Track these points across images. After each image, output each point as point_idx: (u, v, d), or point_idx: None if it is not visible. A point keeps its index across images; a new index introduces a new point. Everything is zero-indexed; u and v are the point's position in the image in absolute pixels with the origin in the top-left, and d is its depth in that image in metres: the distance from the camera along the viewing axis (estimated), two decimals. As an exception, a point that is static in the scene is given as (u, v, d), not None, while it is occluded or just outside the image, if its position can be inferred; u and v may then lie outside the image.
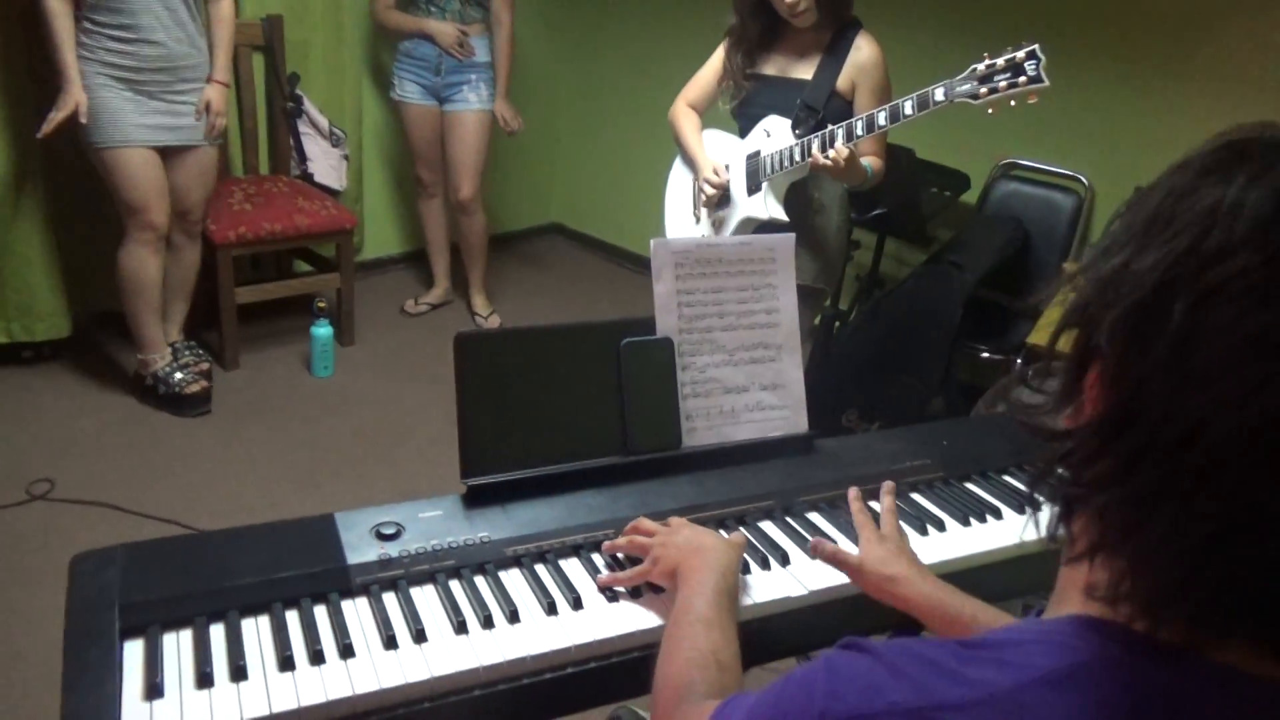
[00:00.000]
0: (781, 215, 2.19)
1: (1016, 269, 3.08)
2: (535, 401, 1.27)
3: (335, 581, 1.09)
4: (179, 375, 3.01)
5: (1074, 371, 0.56)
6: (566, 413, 1.29)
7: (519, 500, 1.24)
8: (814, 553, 1.14)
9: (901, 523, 1.28)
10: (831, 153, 2.01)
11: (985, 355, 3.04)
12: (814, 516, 1.31)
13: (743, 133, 2.33)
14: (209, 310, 3.31)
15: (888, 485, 1.26)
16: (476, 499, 1.23)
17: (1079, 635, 0.55)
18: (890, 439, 1.54)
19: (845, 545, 1.20)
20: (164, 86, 2.76)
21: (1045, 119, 3.12)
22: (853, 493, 1.26)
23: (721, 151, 2.37)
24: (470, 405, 1.23)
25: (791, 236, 1.44)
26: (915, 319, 2.97)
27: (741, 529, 1.26)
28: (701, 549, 1.06)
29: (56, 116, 2.60)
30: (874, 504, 1.35)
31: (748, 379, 1.41)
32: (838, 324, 3.30)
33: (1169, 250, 0.50)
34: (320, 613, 1.05)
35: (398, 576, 1.11)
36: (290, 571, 1.08)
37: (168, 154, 2.84)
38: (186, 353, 3.15)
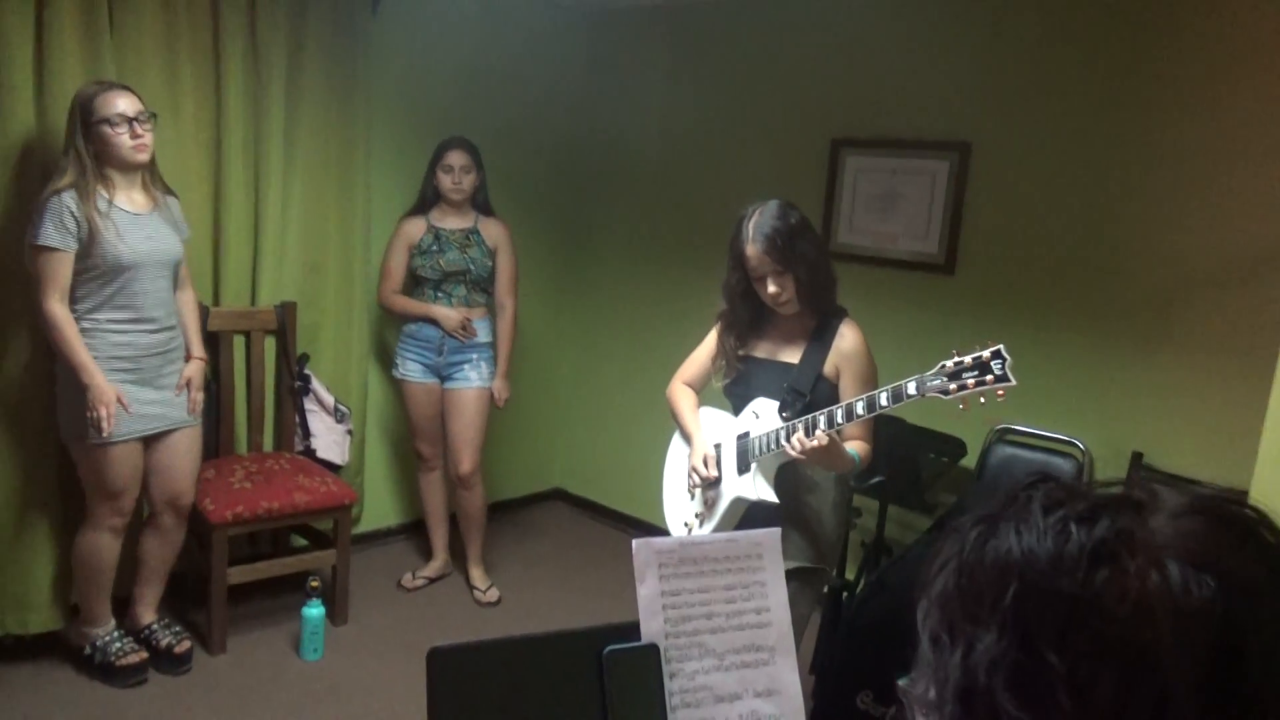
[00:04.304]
0: (771, 497, 2.17)
1: (1023, 535, 3.02)
2: (513, 718, 1.19)
3: None
4: (116, 646, 2.95)
5: None
6: (545, 731, 1.21)
7: (491, 837, 1.13)
8: None
9: None
10: (805, 440, 2.02)
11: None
12: None
13: (735, 411, 2.37)
14: (199, 590, 3.23)
15: None
16: (444, 836, 1.12)
17: None
18: (898, 747, 1.43)
19: None
20: (156, 371, 2.85)
21: (1036, 387, 3.19)
22: None
23: (717, 430, 2.39)
24: (441, 727, 1.15)
25: (777, 531, 1.41)
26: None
27: None
28: None
29: (104, 415, 2.66)
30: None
31: (740, 685, 1.33)
32: (845, 594, 3.19)
33: (1002, 615, 0.53)
34: None
35: None
36: None
37: (154, 438, 2.89)
38: (166, 633, 3.07)
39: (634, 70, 4.42)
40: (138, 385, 2.80)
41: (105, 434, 2.68)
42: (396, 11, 3.80)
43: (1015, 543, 0.55)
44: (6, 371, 2.91)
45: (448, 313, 3.56)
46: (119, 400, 2.70)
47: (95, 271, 2.68)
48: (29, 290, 2.72)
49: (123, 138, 2.67)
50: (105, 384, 2.68)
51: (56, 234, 2.60)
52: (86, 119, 2.64)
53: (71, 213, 2.61)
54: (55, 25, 2.83)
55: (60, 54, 2.85)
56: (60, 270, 2.63)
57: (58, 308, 2.64)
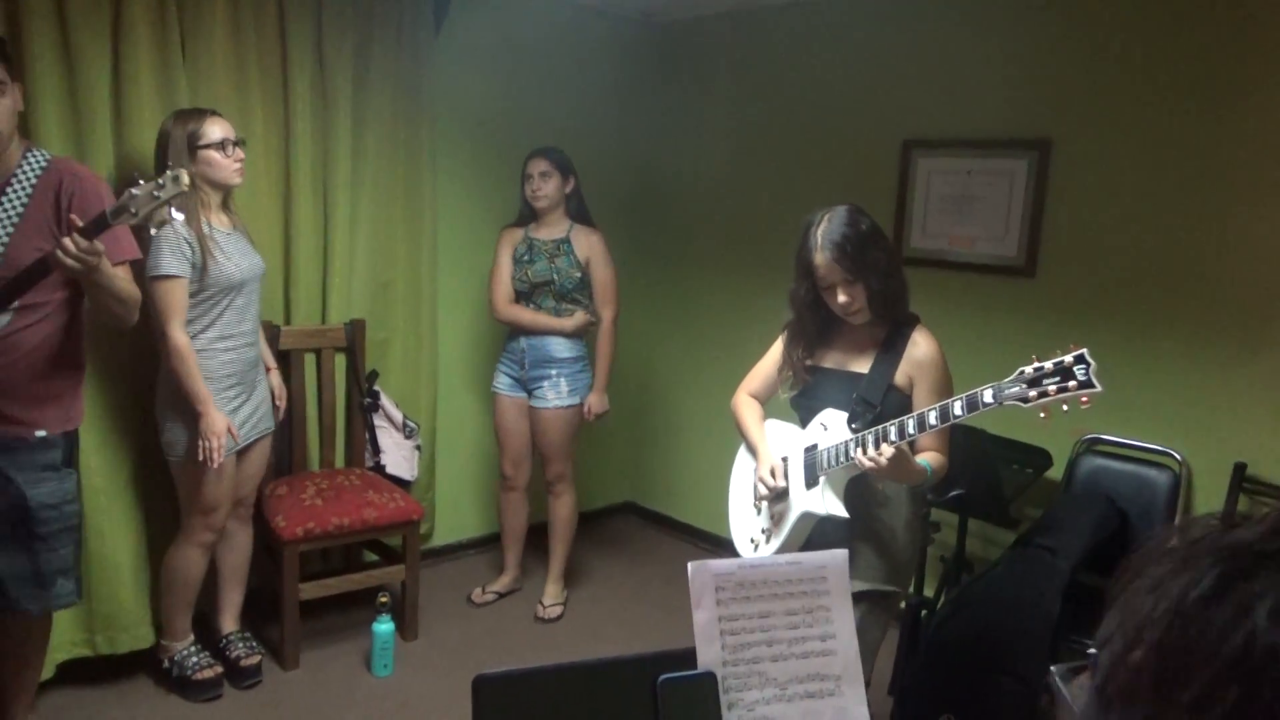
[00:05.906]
0: (840, 511, 2.08)
1: (1116, 552, 2.85)
2: (562, 751, 1.14)
3: None
4: (193, 660, 3.00)
5: None
6: (596, 765, 1.15)
7: None
8: None
9: None
10: (873, 453, 1.93)
11: (1093, 650, 2.74)
12: None
13: (803, 423, 2.28)
14: (272, 606, 3.27)
15: None
16: None
17: None
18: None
19: None
20: (254, 383, 2.97)
21: (1126, 395, 3.02)
22: None
23: (783, 442, 2.31)
24: (487, 760, 1.11)
25: (843, 553, 1.33)
26: (1008, 610, 2.73)
27: None
28: None
29: (216, 445, 2.72)
30: None
31: (804, 717, 1.26)
32: (924, 613, 3.06)
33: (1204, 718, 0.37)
34: None
35: None
36: None
37: (241, 448, 2.97)
38: (240, 644, 3.12)
39: (700, 77, 4.36)
40: (244, 401, 2.92)
41: (215, 464, 2.75)
42: (459, 32, 3.82)
43: (1271, 627, 0.37)
44: (106, 398, 2.98)
45: (576, 319, 3.55)
46: (229, 430, 2.79)
47: (209, 293, 2.76)
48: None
49: (227, 161, 2.80)
50: (218, 415, 2.76)
51: (175, 262, 2.67)
52: (193, 144, 2.74)
53: (185, 239, 2.69)
54: (131, 56, 2.90)
55: (136, 84, 2.92)
56: (181, 297, 2.70)
57: (182, 336, 2.70)
